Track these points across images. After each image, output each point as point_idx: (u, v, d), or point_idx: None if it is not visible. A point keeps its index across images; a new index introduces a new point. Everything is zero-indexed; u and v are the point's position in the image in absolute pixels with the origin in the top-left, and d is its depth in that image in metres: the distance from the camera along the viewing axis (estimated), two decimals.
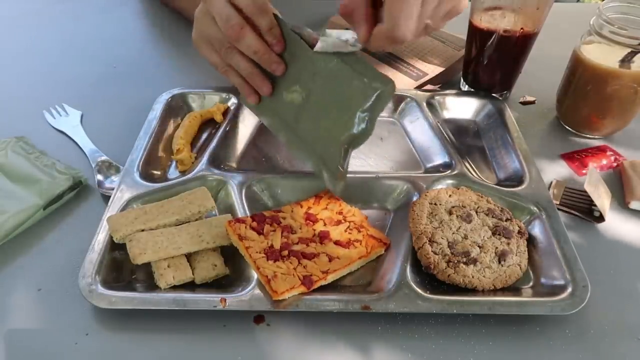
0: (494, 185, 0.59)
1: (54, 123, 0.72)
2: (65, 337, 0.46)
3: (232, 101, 0.72)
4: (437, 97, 0.73)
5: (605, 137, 0.69)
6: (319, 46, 0.49)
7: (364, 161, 0.65)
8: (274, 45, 0.52)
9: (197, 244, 0.51)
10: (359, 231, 0.53)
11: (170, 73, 0.83)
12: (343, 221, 0.54)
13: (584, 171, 0.64)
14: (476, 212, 0.54)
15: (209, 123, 0.70)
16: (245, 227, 0.51)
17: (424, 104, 0.71)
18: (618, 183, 0.62)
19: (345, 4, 0.46)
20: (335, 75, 0.50)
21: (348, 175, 0.61)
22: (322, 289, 0.48)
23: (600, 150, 0.67)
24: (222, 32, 0.53)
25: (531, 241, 0.53)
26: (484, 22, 0.68)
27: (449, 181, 0.59)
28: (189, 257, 0.51)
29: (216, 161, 0.62)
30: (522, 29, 0.66)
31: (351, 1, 0.46)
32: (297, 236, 0.52)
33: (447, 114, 0.73)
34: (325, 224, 0.54)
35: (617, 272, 0.52)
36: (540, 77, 0.79)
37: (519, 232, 0.52)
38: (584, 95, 0.66)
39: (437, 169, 0.63)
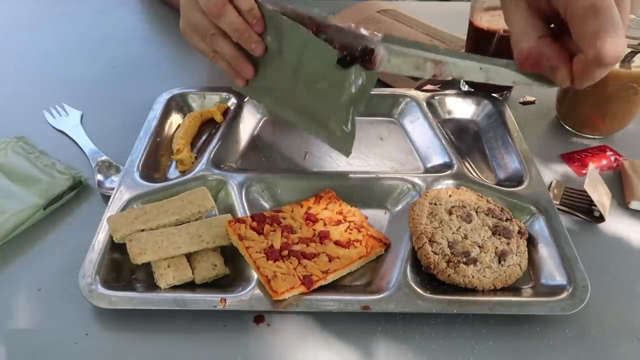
0: (494, 185, 0.59)
1: (54, 123, 0.72)
2: (65, 337, 0.46)
3: (232, 101, 0.72)
4: (437, 97, 0.73)
5: (605, 137, 0.69)
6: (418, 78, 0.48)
7: (364, 161, 0.65)
8: (254, 25, 0.54)
9: (197, 244, 0.51)
10: (359, 231, 0.53)
11: (170, 73, 0.83)
12: (343, 221, 0.54)
13: (584, 171, 0.63)
14: (476, 212, 0.54)
15: (209, 123, 0.70)
16: (245, 227, 0.51)
17: (424, 104, 0.71)
18: (618, 183, 0.62)
19: (527, 53, 0.41)
20: (323, 43, 0.51)
21: (348, 175, 0.61)
22: (322, 289, 0.48)
23: (600, 150, 0.67)
24: (206, 19, 0.55)
25: (531, 241, 0.53)
26: (484, 22, 0.68)
27: (449, 181, 0.59)
28: (189, 257, 0.51)
29: (216, 161, 0.62)
30: None
31: (531, 48, 0.41)
32: (297, 236, 0.52)
33: (447, 114, 0.73)
34: (325, 224, 0.54)
35: (617, 272, 0.52)
36: None
37: (519, 232, 0.52)
38: (584, 95, 0.66)
39: (437, 169, 0.63)
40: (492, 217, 0.53)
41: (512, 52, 0.71)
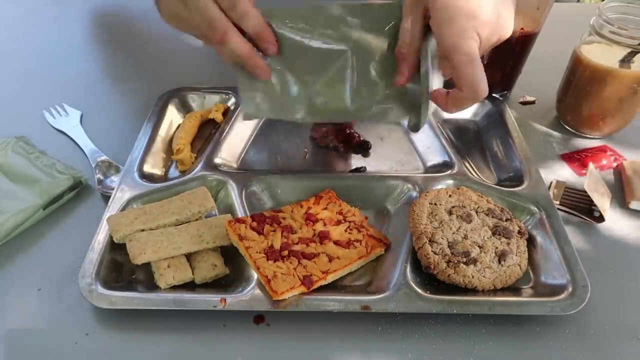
0: (494, 185, 0.59)
1: (54, 123, 0.72)
2: (65, 337, 0.46)
3: (232, 101, 0.72)
4: None
5: (605, 137, 0.69)
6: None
7: (364, 161, 0.65)
8: (265, 50, 0.50)
9: (197, 244, 0.51)
10: (359, 231, 0.53)
11: (170, 73, 0.83)
12: (343, 221, 0.54)
13: (584, 171, 0.63)
14: (476, 212, 0.54)
15: (209, 123, 0.70)
16: (245, 227, 0.51)
17: None
18: (618, 183, 0.62)
19: (401, 49, 0.48)
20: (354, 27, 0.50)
21: (348, 175, 0.61)
22: (322, 289, 0.48)
23: (600, 150, 0.67)
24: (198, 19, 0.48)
25: (531, 241, 0.53)
26: None
27: (449, 181, 0.59)
28: (189, 257, 0.51)
29: (216, 161, 0.62)
30: (522, 29, 0.66)
31: (408, 47, 0.48)
32: (297, 236, 0.52)
33: (447, 114, 0.72)
34: (325, 224, 0.54)
35: (617, 272, 0.52)
36: (540, 77, 0.79)
37: (519, 232, 0.52)
38: (584, 95, 0.66)
39: (437, 169, 0.63)
40: (492, 217, 0.53)
41: (510, 50, 0.71)
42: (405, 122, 0.55)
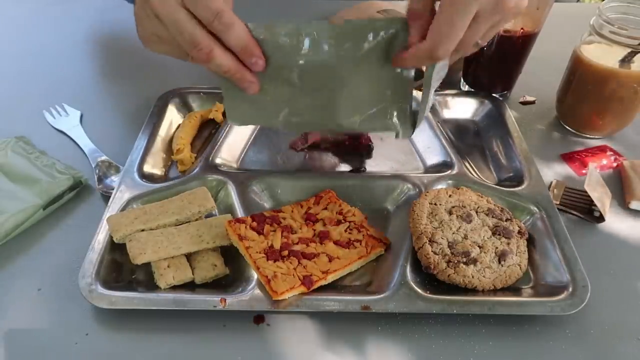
0: (494, 185, 0.59)
1: (54, 123, 0.72)
2: (65, 337, 0.46)
3: None
4: (437, 97, 0.73)
5: (605, 137, 0.69)
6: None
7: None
8: (252, 65, 0.46)
9: (197, 244, 0.51)
10: (359, 231, 0.53)
11: (170, 73, 0.83)
12: (343, 221, 0.54)
13: (584, 171, 0.64)
14: (476, 212, 0.54)
15: (209, 123, 0.70)
16: (245, 227, 0.51)
17: None
18: (618, 183, 0.62)
19: (412, 9, 0.45)
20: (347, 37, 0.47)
21: (348, 175, 0.61)
22: (322, 289, 0.48)
23: (600, 150, 0.67)
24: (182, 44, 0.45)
25: (531, 241, 0.53)
26: None
27: (449, 181, 0.59)
28: (189, 257, 0.51)
29: (216, 161, 0.62)
30: (522, 29, 0.66)
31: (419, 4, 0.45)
32: (297, 236, 0.52)
33: (447, 114, 0.73)
34: (325, 224, 0.54)
35: (617, 272, 0.52)
36: (540, 77, 0.79)
37: (519, 232, 0.52)
38: (584, 95, 0.66)
39: (437, 169, 0.63)
40: (492, 217, 0.53)
41: (510, 50, 0.71)
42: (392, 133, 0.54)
